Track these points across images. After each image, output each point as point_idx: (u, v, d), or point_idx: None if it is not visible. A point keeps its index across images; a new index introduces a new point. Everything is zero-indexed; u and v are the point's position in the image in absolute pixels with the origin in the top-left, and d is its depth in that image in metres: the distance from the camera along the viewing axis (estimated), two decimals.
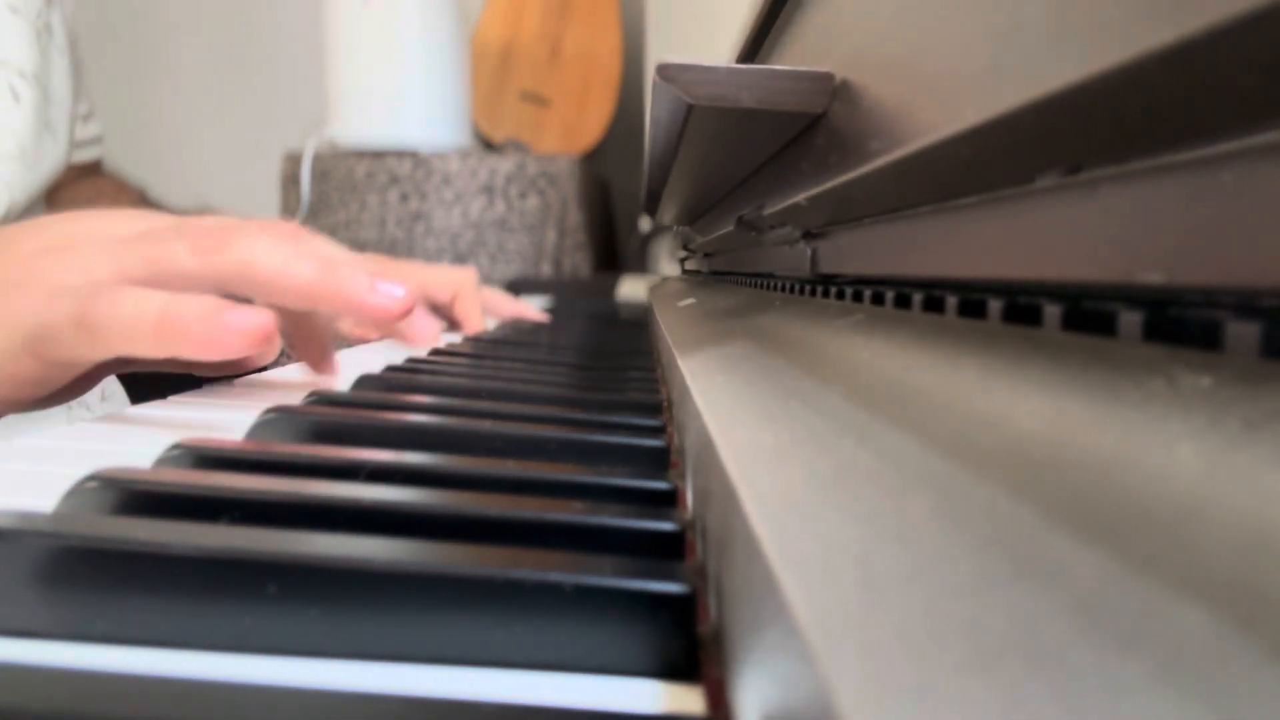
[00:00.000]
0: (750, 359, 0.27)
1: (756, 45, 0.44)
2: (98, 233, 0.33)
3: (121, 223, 0.34)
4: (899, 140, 0.21)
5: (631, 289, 1.28)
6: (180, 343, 0.29)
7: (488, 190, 1.50)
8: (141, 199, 0.89)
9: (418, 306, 0.40)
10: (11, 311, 0.30)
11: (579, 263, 1.52)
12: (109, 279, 0.31)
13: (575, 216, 1.51)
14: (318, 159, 1.51)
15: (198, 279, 0.32)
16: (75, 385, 0.35)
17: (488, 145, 1.79)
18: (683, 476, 0.25)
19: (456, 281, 0.73)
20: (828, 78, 0.28)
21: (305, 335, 0.39)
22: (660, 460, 0.28)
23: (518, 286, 1.26)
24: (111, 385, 0.70)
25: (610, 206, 1.95)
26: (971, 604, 0.09)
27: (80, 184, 0.83)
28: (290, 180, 1.54)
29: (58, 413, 0.62)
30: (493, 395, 0.37)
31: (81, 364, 0.32)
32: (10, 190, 0.56)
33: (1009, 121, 0.15)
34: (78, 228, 0.34)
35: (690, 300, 0.60)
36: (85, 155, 0.81)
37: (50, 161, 0.60)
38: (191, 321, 0.29)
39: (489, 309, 0.84)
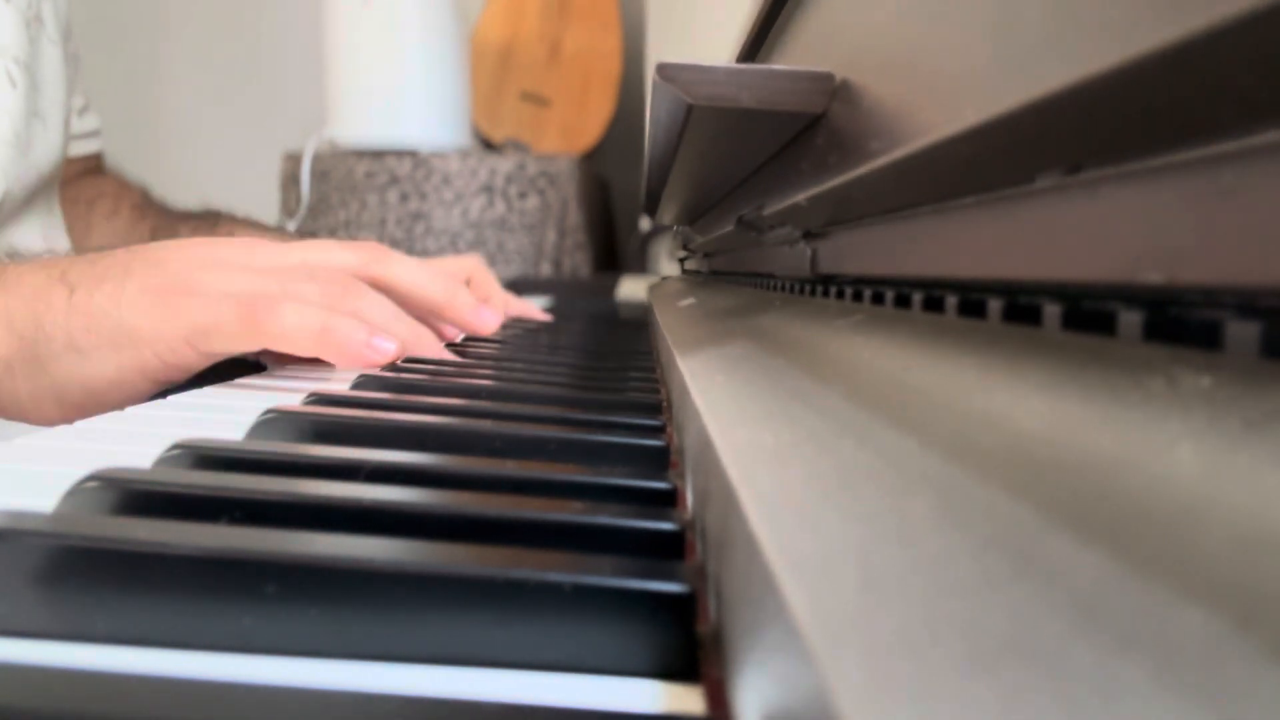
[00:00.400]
0: (750, 359, 0.27)
1: (756, 45, 0.44)
2: (242, 259, 0.42)
3: (257, 252, 0.43)
4: (899, 140, 0.21)
5: (631, 289, 1.28)
6: (332, 353, 0.39)
7: (487, 190, 1.50)
8: (144, 198, 0.89)
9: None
10: (180, 310, 0.38)
11: (579, 263, 1.52)
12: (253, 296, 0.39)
13: (575, 216, 1.51)
14: (318, 159, 1.51)
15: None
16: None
17: (488, 145, 1.79)
18: (682, 476, 0.25)
19: (466, 269, 0.76)
20: (828, 78, 0.28)
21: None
22: (660, 460, 0.28)
23: (517, 286, 1.26)
24: None
25: (610, 206, 1.95)
26: (971, 604, 0.09)
27: (82, 182, 0.84)
28: (290, 180, 1.54)
29: None
30: (493, 395, 0.37)
31: (227, 356, 0.40)
32: (5, 176, 0.58)
33: (1009, 121, 0.15)
34: (225, 253, 0.42)
35: (690, 300, 0.60)
36: (85, 148, 0.82)
37: (43, 150, 0.62)
38: (346, 340, 0.39)
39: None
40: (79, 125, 0.79)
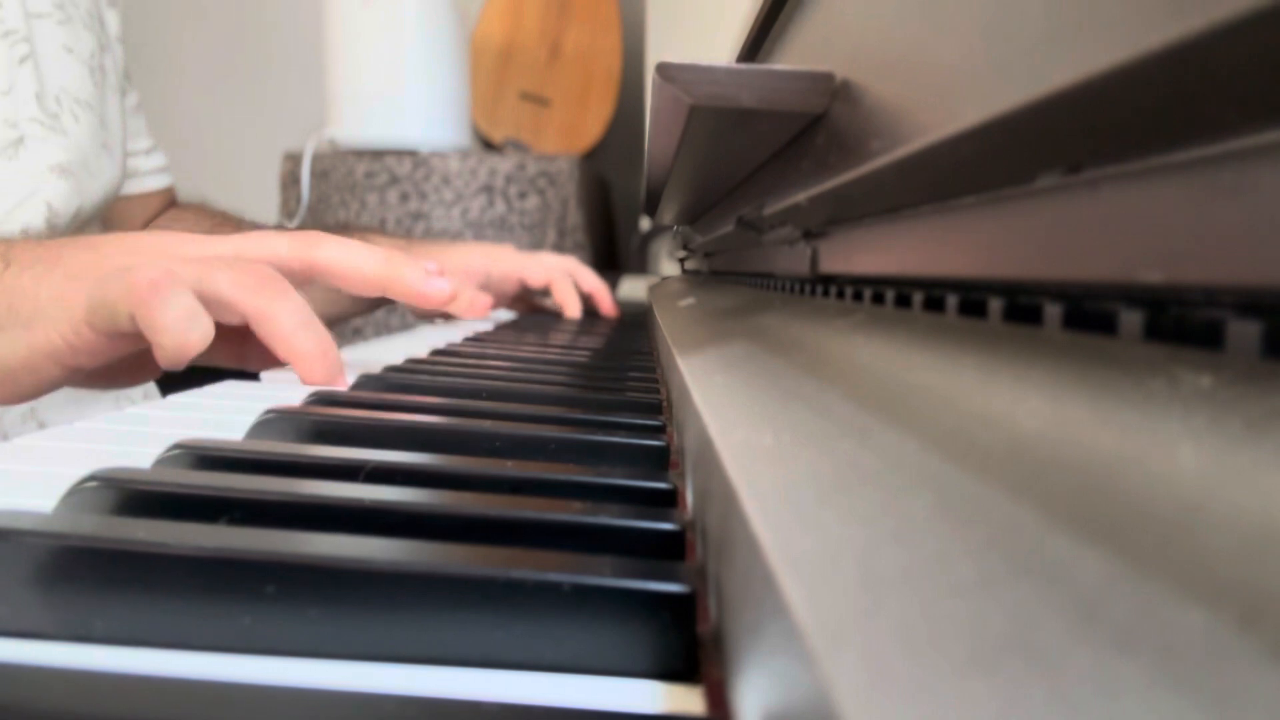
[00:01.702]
0: (750, 359, 0.27)
1: (756, 45, 0.44)
2: (164, 249, 0.41)
3: (190, 243, 0.42)
4: (899, 140, 0.21)
5: (631, 289, 1.28)
6: (169, 357, 0.36)
7: (487, 190, 1.50)
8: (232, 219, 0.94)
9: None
10: (84, 291, 0.38)
11: None
12: None
13: (575, 216, 1.51)
14: (318, 159, 1.51)
15: (228, 307, 0.39)
16: (132, 371, 0.43)
17: (487, 145, 1.79)
18: (683, 476, 0.25)
19: (549, 270, 0.85)
20: (828, 78, 0.28)
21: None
22: (660, 460, 0.28)
23: None
24: (153, 386, 0.81)
25: (610, 206, 1.95)
26: (971, 604, 0.09)
27: (180, 213, 0.93)
28: (290, 180, 1.54)
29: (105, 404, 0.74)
30: (493, 395, 0.37)
31: (120, 330, 0.37)
32: (79, 194, 0.68)
33: (1009, 121, 0.15)
34: (161, 242, 0.42)
35: (690, 300, 0.60)
36: (158, 183, 0.91)
37: (108, 178, 0.73)
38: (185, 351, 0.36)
39: (585, 285, 0.91)
40: (149, 163, 0.90)
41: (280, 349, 0.40)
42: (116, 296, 0.36)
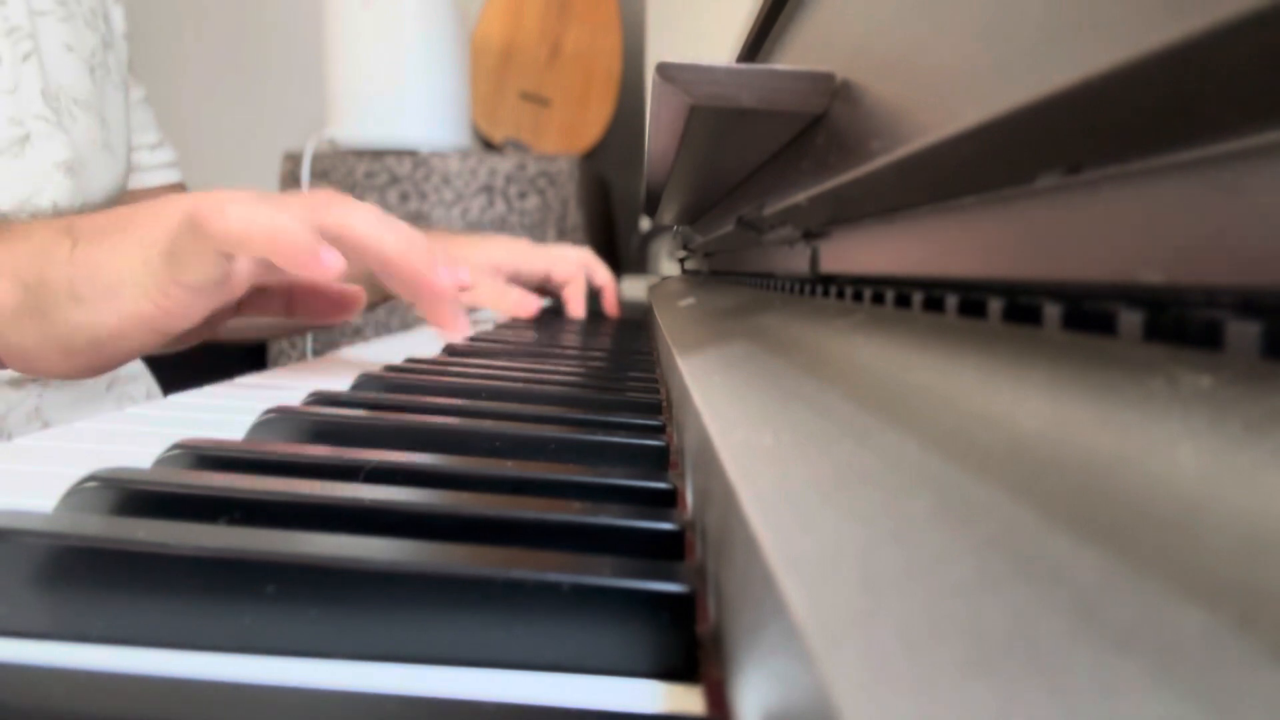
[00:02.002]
0: (750, 359, 0.27)
1: (757, 45, 0.44)
2: (244, 197, 0.40)
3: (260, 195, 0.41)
4: (899, 140, 0.21)
5: (631, 289, 1.28)
6: (278, 251, 0.36)
7: (487, 190, 1.50)
8: None
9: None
10: (155, 251, 0.38)
11: None
12: None
13: (575, 216, 1.51)
14: (318, 159, 1.51)
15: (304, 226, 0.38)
16: (205, 324, 0.43)
17: (488, 145, 1.79)
18: (682, 476, 0.25)
19: (572, 267, 0.86)
20: (828, 78, 0.28)
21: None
22: (660, 460, 0.28)
23: None
24: (155, 386, 0.81)
25: (610, 206, 1.95)
26: (971, 604, 0.09)
27: None
28: (290, 180, 1.54)
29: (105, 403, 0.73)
30: (493, 395, 0.37)
31: (208, 277, 0.38)
32: (83, 192, 0.68)
33: (1009, 121, 0.15)
34: (229, 195, 0.40)
35: (690, 300, 0.60)
36: (166, 178, 0.90)
37: (109, 176, 0.72)
38: (292, 243, 0.36)
39: (597, 279, 0.91)
40: (154, 158, 0.89)
41: (371, 257, 0.40)
42: (183, 234, 0.37)
